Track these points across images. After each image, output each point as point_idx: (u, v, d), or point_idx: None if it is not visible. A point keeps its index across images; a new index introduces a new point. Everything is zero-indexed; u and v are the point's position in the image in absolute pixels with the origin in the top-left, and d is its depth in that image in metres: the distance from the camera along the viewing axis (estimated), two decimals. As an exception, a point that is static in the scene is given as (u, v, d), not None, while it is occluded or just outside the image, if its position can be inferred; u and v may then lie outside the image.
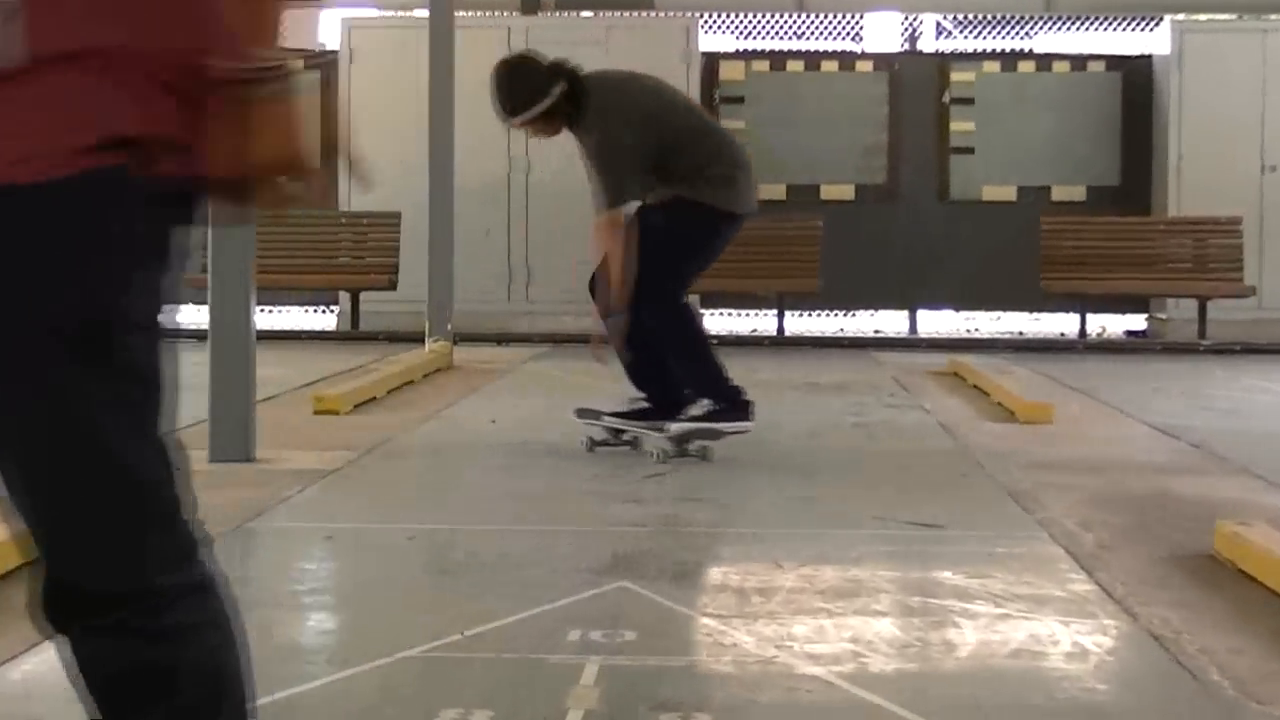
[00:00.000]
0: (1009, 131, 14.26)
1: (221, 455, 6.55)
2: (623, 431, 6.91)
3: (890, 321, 14.70)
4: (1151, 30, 14.79)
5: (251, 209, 1.96)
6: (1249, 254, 13.51)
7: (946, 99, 14.31)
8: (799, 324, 14.34)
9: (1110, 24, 15.18)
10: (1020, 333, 14.38)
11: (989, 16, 15.24)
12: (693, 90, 13.81)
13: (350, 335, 13.47)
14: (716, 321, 14.45)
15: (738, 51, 15.19)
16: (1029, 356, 12.29)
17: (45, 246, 1.78)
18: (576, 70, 6.85)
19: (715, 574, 4.71)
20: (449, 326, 11.40)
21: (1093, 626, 4.08)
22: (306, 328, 14.19)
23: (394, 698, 3.46)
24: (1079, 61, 14.43)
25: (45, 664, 3.65)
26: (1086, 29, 15.17)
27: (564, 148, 13.96)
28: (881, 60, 14.53)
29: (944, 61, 14.55)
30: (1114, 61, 14.43)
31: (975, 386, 9.64)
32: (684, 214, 6.69)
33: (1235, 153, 13.64)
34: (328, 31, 14.73)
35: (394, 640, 3.82)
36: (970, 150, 14.31)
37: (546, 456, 7.06)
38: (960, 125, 14.32)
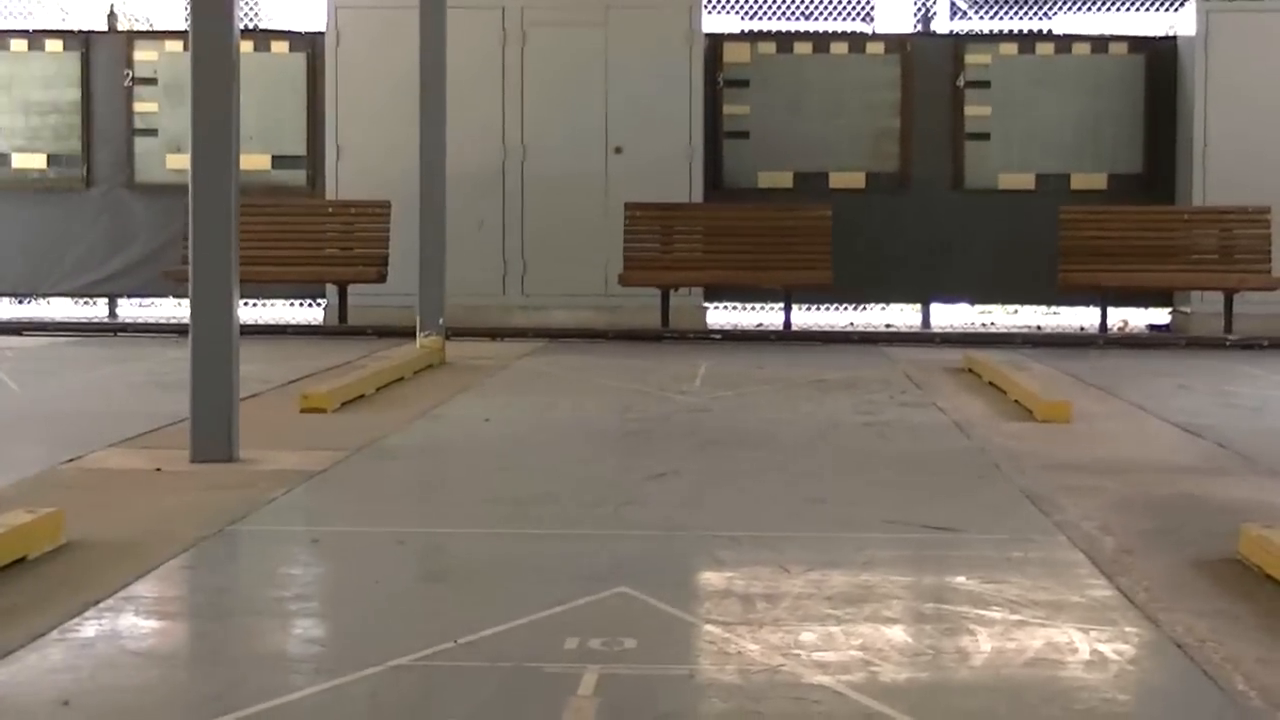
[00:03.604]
0: (1027, 117, 14.26)
1: (203, 455, 6.56)
2: None
3: (902, 315, 14.71)
4: (1177, 10, 14.79)
5: None
6: (1277, 245, 13.52)
7: (961, 82, 14.31)
8: (807, 317, 14.35)
9: (1133, 3, 15.18)
10: (1038, 327, 14.39)
11: (1006, -4, 15.24)
12: (695, 73, 13.84)
13: (338, 330, 13.48)
14: (721, 315, 14.47)
15: (743, 33, 15.21)
16: (1047, 352, 12.31)
17: None
18: None
19: (719, 579, 4.72)
20: (441, 321, 11.40)
21: (1113, 634, 4.08)
22: (292, 322, 14.20)
23: (384, 709, 3.46)
24: (1100, 43, 14.41)
25: (21, 674, 3.66)
26: (1108, 9, 15.18)
27: (562, 136, 14.02)
28: (893, 42, 14.53)
29: (959, 43, 14.54)
30: (1137, 43, 14.42)
31: (991, 383, 9.65)
32: None
33: (1264, 139, 13.64)
34: (314, 13, 14.73)
35: (384, 648, 3.83)
36: (986, 136, 14.31)
37: (543, 456, 7.07)
38: (976, 110, 14.31)
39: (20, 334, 13.22)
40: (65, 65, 14.68)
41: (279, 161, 14.50)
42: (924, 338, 13.62)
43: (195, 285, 6.68)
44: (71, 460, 6.63)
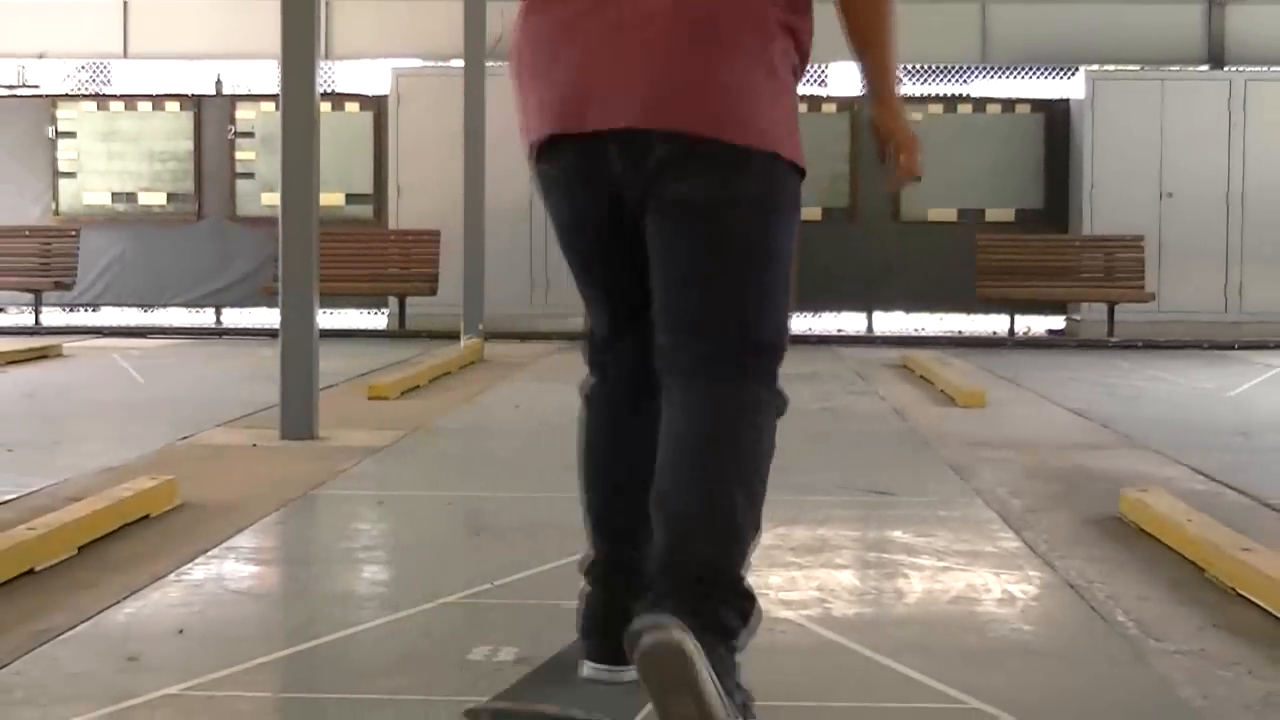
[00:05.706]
0: (951, 163, 14.23)
1: (290, 433, 6.55)
2: None
3: (851, 322, 14.69)
4: (1069, 78, 14.78)
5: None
6: (1149, 266, 13.52)
7: (898, 136, 14.28)
8: (774, 324, 14.29)
9: (1035, 72, 15.16)
10: (959, 331, 14.37)
11: (933, 66, 15.23)
12: (685, 128, 13.80)
13: (398, 333, 13.46)
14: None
15: (723, 96, 15.13)
16: (966, 351, 12.29)
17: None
18: None
19: (704, 533, 4.69)
20: (481, 326, 11.39)
21: (1019, 577, 4.07)
22: (361, 327, 14.18)
23: (434, 637, 3.45)
24: (1009, 104, 14.43)
25: (145, 609, 3.66)
26: (1015, 77, 15.16)
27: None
28: (844, 102, 14.51)
29: (896, 104, 14.50)
30: (1038, 104, 14.43)
31: (922, 377, 9.63)
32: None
33: (1138, 182, 13.65)
34: (380, 79, 14.71)
35: (434, 589, 3.82)
36: (918, 179, 14.27)
37: (564, 435, 7.04)
38: (909, 157, 14.28)
39: (144, 337, 13.20)
40: (181, 122, 14.68)
41: (351, 198, 14.49)
42: (868, 340, 13.59)
43: (284, 297, 6.67)
44: (185, 438, 6.62)
